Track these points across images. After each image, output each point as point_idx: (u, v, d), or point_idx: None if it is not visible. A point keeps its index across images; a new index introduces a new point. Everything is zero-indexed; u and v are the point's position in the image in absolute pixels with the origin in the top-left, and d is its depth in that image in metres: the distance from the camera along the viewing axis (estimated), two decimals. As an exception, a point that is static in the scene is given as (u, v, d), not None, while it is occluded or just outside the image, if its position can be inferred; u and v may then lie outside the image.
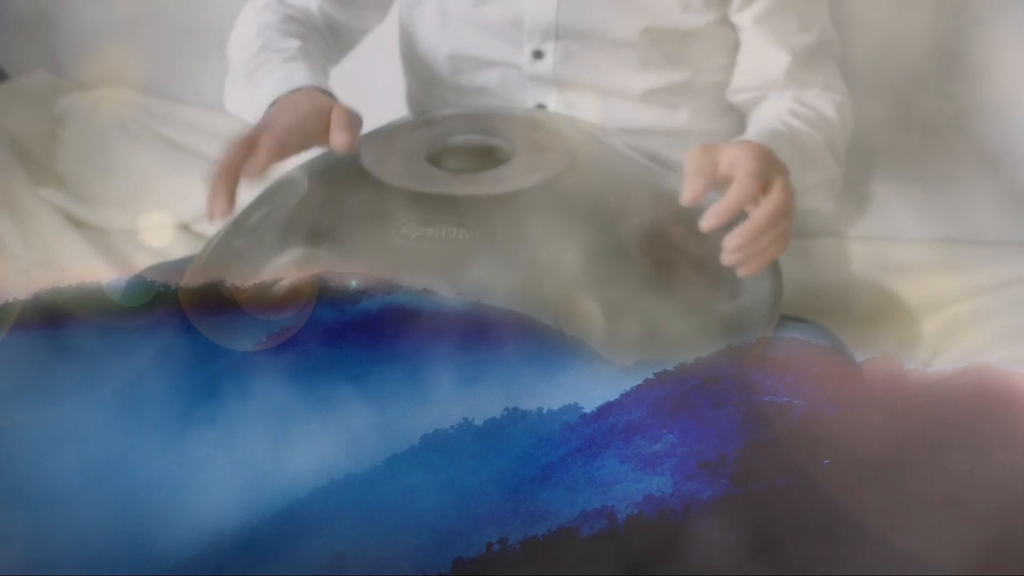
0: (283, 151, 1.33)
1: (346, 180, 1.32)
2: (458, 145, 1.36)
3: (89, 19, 2.10)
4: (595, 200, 1.30)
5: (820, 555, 0.94)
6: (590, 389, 1.14)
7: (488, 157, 1.34)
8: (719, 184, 1.27)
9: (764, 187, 1.26)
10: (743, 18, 1.51)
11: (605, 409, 1.11)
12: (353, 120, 1.35)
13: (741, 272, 1.27)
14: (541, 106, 1.56)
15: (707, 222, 1.25)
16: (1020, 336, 1.60)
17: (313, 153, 1.40)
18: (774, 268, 1.35)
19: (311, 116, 1.36)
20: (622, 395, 1.11)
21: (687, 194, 1.25)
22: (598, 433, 1.09)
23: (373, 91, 1.68)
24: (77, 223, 1.90)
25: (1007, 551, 0.93)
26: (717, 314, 1.28)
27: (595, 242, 1.27)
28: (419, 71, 1.64)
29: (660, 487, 1.02)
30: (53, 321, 1.14)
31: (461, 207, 1.27)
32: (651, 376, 1.12)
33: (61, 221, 1.90)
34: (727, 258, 1.26)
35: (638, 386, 1.12)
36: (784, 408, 1.05)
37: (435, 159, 1.34)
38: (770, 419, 1.03)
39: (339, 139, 1.33)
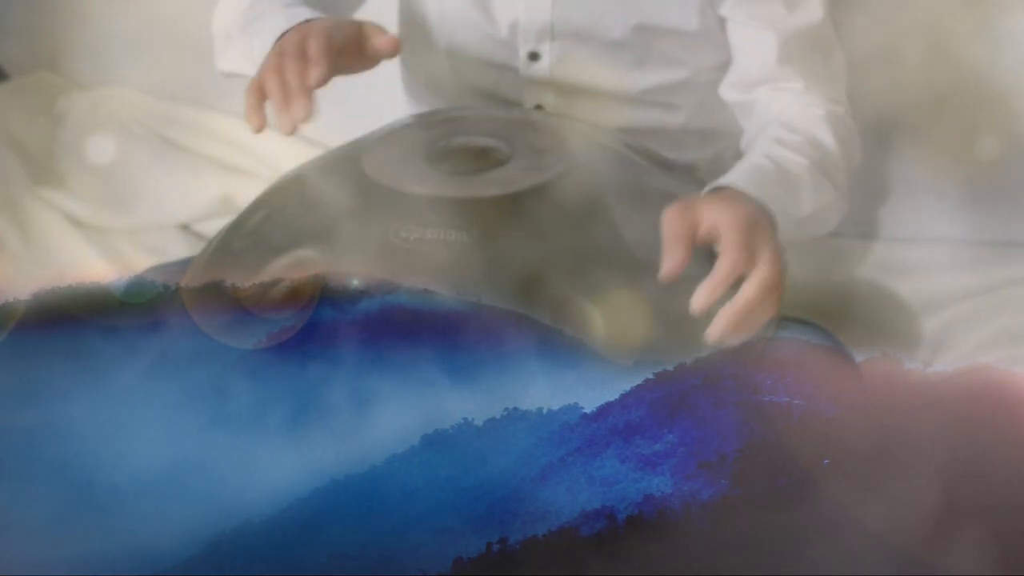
0: (335, 50, 1.28)
1: (344, 182, 1.32)
2: (456, 147, 1.36)
3: (89, 19, 2.10)
4: (593, 202, 1.30)
5: (820, 555, 0.94)
6: (590, 389, 1.14)
7: (486, 159, 1.34)
8: (701, 243, 1.23)
9: (751, 255, 1.22)
10: (726, 7, 1.48)
11: (605, 409, 1.11)
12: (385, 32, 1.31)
13: (734, 344, 1.22)
14: (539, 107, 1.56)
15: (697, 303, 1.20)
16: (1020, 336, 1.60)
17: (314, 154, 1.40)
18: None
19: (341, 26, 1.32)
20: (622, 395, 1.11)
21: (666, 267, 1.20)
22: (598, 433, 1.10)
23: (370, 93, 1.68)
24: (77, 223, 1.90)
25: (1008, 551, 0.93)
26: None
27: (593, 243, 1.27)
28: (417, 72, 1.64)
29: (660, 487, 1.02)
30: (53, 321, 1.14)
31: (459, 209, 1.27)
32: (651, 376, 1.12)
33: (61, 221, 1.89)
34: (712, 337, 1.21)
35: (638, 386, 1.12)
36: (784, 408, 1.05)
37: (433, 161, 1.34)
38: (770, 419, 1.03)
39: (382, 42, 1.30)
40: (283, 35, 1.37)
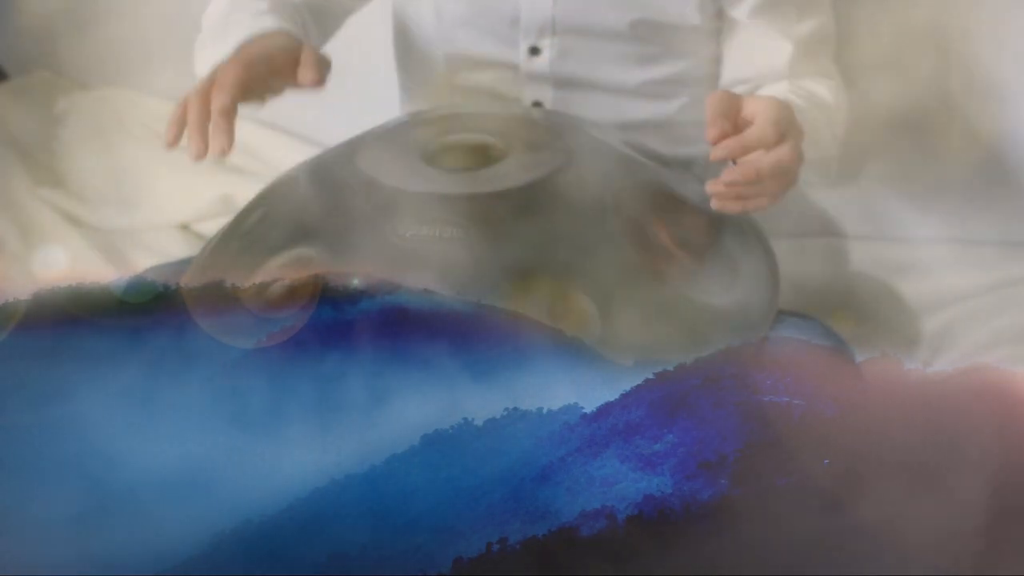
0: (248, 82, 1.30)
1: (342, 180, 1.32)
2: (453, 144, 1.36)
3: (89, 19, 2.10)
4: (590, 198, 1.30)
5: (820, 555, 0.94)
6: (590, 389, 1.14)
7: (483, 155, 1.34)
8: (740, 130, 1.27)
9: (779, 141, 1.27)
10: (740, 11, 1.50)
11: (605, 409, 1.11)
12: (322, 59, 1.34)
13: (715, 205, 1.28)
14: (537, 103, 1.56)
15: (716, 153, 1.26)
16: (1021, 336, 1.60)
17: (311, 153, 1.40)
18: (771, 267, 1.35)
19: (279, 52, 1.34)
20: (622, 395, 1.11)
21: (711, 132, 1.25)
22: (598, 433, 1.09)
23: (367, 91, 1.68)
24: (77, 223, 1.90)
25: (1007, 551, 0.93)
26: (715, 312, 1.28)
27: (590, 240, 1.27)
28: (414, 70, 1.64)
29: (660, 487, 1.02)
30: (53, 321, 1.14)
31: (457, 206, 1.27)
32: (651, 376, 1.12)
33: (61, 221, 1.89)
34: (713, 185, 1.26)
35: (638, 386, 1.12)
36: (784, 408, 1.05)
37: (430, 158, 1.34)
38: (770, 419, 1.03)
39: (307, 76, 1.32)
40: (243, 44, 1.38)
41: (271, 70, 1.33)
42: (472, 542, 1.03)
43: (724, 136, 1.26)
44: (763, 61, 1.52)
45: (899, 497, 0.97)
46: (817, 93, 1.49)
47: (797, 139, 1.29)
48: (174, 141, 1.29)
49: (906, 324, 1.65)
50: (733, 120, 1.27)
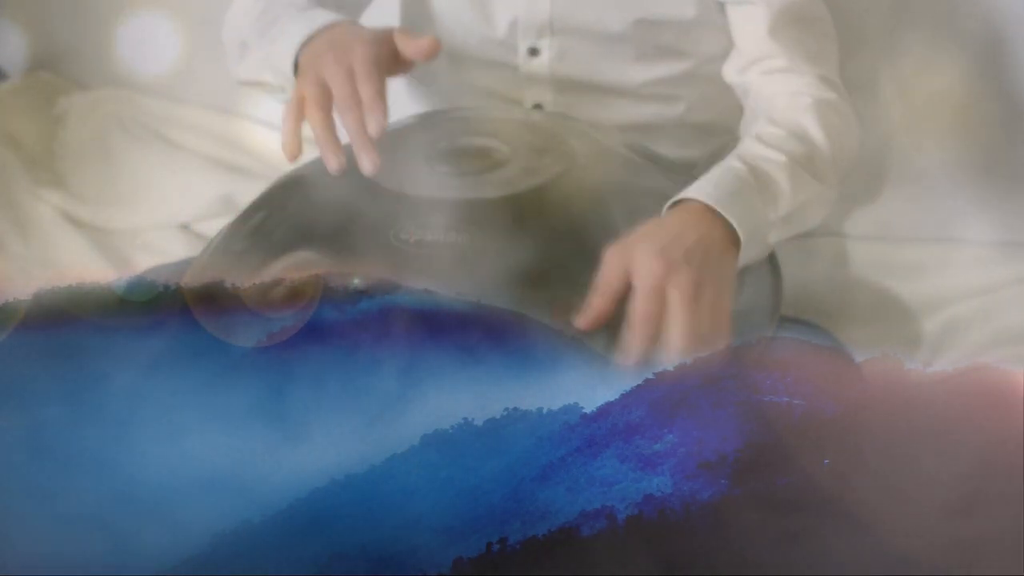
0: (384, 62, 1.26)
1: (344, 183, 1.32)
2: (455, 148, 1.36)
3: (88, 19, 2.10)
4: (593, 202, 1.30)
5: (820, 555, 0.94)
6: (590, 389, 1.14)
7: (485, 160, 1.34)
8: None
9: (665, 291, 1.20)
10: None
11: (605, 409, 1.11)
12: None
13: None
14: (538, 106, 1.56)
15: (625, 361, 1.20)
16: (1021, 336, 1.60)
17: (313, 154, 1.40)
18: (774, 268, 1.35)
19: (379, 47, 1.30)
20: (622, 395, 1.11)
21: (580, 321, 1.20)
22: (598, 433, 1.09)
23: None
24: (77, 223, 1.90)
25: (1007, 551, 0.93)
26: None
27: (593, 245, 1.27)
28: (415, 72, 1.64)
29: (660, 487, 1.02)
30: (53, 322, 1.14)
31: (459, 211, 1.27)
32: (651, 376, 1.12)
33: (61, 221, 1.90)
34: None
35: (638, 386, 1.11)
36: (784, 408, 1.05)
37: (432, 162, 1.34)
38: (770, 419, 1.03)
39: (421, 46, 1.29)
40: (307, 42, 1.35)
41: (390, 50, 1.29)
42: (472, 542, 1.03)
43: (596, 320, 1.20)
44: (744, 36, 1.49)
45: (899, 497, 0.97)
46: (796, 123, 1.41)
47: (684, 280, 1.20)
48: (296, 154, 1.25)
49: (906, 324, 1.65)
50: (615, 290, 1.20)
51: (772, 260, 1.35)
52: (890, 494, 0.97)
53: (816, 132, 1.42)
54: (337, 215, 1.30)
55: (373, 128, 1.24)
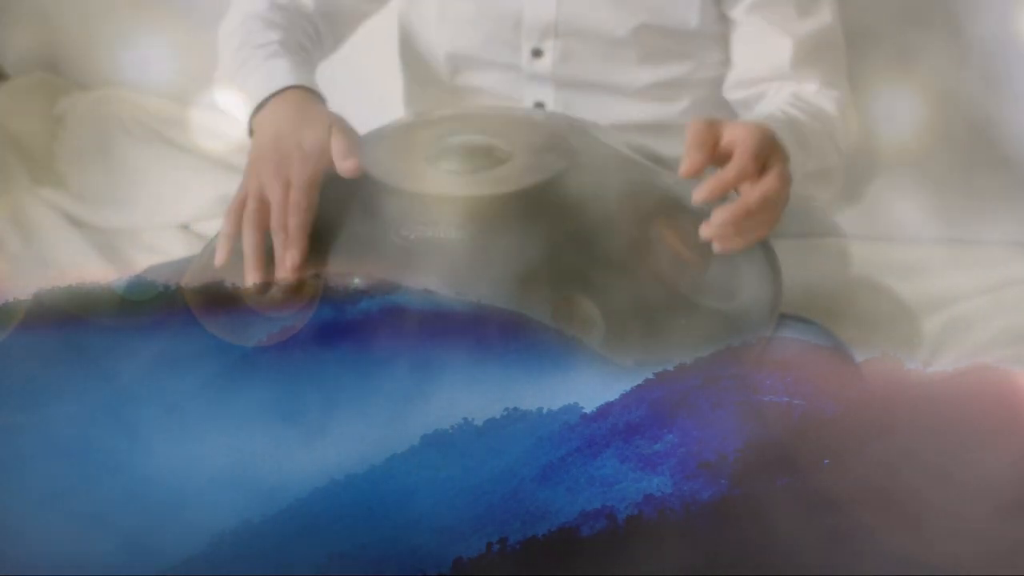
0: (315, 182, 1.30)
1: (344, 181, 1.32)
2: (457, 145, 1.35)
3: (88, 19, 2.10)
4: (593, 200, 1.30)
5: (820, 556, 0.94)
6: (590, 389, 1.14)
7: (487, 157, 1.34)
8: (719, 159, 1.27)
9: (762, 170, 1.26)
10: (738, 11, 1.50)
11: (605, 409, 1.11)
12: (351, 142, 1.33)
13: (717, 247, 1.27)
14: (540, 104, 1.56)
15: (698, 195, 1.26)
16: (1021, 336, 1.60)
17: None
18: (773, 268, 1.35)
19: (314, 146, 1.32)
20: (622, 395, 1.11)
21: (685, 166, 1.26)
22: (598, 433, 1.09)
23: (371, 92, 1.68)
24: (77, 223, 1.90)
25: (1009, 551, 0.93)
26: (716, 314, 1.28)
27: (593, 242, 1.27)
28: (417, 71, 1.64)
29: (660, 487, 1.02)
30: (53, 321, 1.14)
31: (460, 208, 1.27)
32: (651, 376, 1.12)
33: (61, 221, 1.90)
34: (707, 230, 1.26)
35: (638, 386, 1.12)
36: (784, 408, 1.05)
37: (434, 159, 1.34)
38: (770, 419, 1.03)
39: (346, 166, 1.31)
40: (262, 105, 1.37)
41: (329, 161, 1.31)
42: (472, 542, 1.03)
43: (697, 170, 1.25)
44: (765, 59, 1.52)
45: (900, 497, 0.97)
46: (819, 104, 1.48)
47: (782, 165, 1.28)
48: (224, 262, 1.28)
49: (907, 324, 1.65)
50: (710, 151, 1.26)
51: (771, 259, 1.35)
52: (890, 494, 0.97)
53: (835, 113, 1.49)
54: (337, 213, 1.30)
55: (288, 262, 1.26)
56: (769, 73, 1.52)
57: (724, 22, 1.53)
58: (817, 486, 0.97)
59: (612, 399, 1.11)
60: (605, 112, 1.53)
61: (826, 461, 0.98)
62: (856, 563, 0.95)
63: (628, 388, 1.12)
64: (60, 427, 1.10)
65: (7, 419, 1.10)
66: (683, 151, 1.27)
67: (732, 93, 1.55)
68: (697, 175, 1.26)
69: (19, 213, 1.90)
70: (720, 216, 1.26)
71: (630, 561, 0.96)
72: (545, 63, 1.53)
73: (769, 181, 1.26)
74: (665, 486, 1.02)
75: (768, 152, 1.28)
